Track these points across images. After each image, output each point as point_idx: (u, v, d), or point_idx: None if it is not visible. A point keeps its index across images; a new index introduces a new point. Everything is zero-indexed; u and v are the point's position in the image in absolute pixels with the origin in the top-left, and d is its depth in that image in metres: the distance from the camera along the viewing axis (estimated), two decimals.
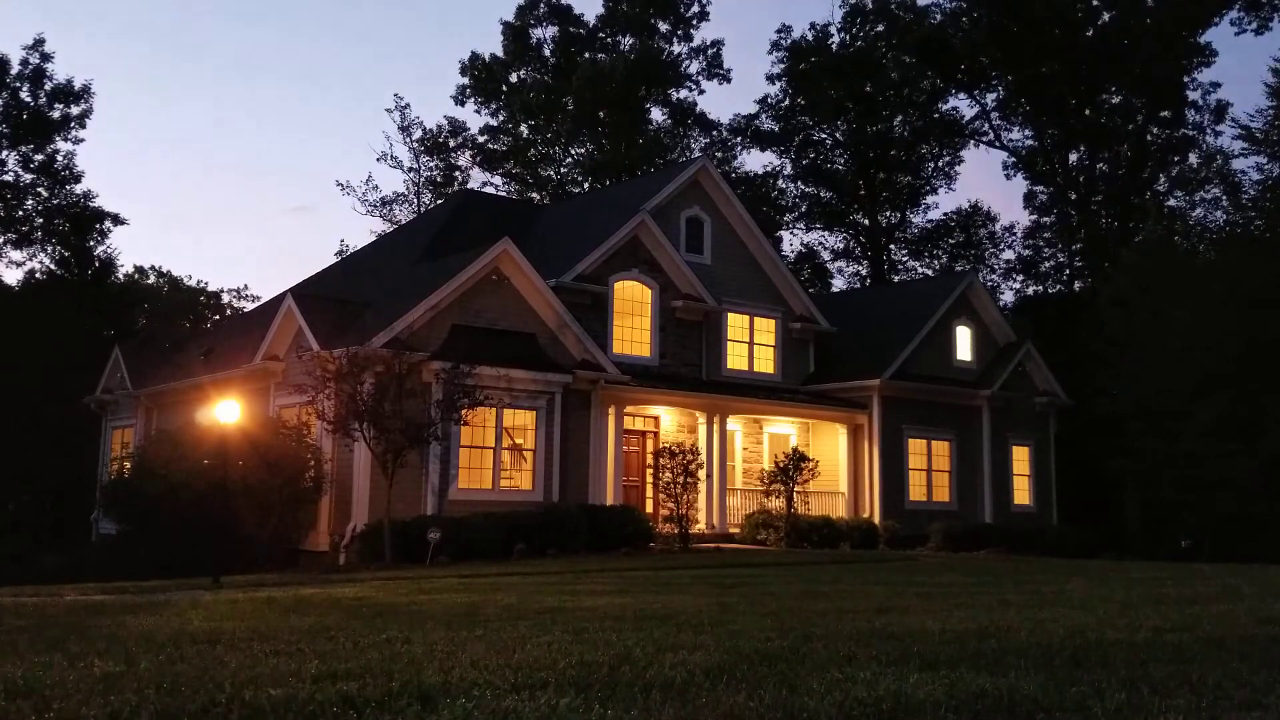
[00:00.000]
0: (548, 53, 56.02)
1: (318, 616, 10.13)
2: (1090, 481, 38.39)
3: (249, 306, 54.57)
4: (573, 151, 56.19)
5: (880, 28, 54.68)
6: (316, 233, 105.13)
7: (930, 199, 57.20)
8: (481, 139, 56.38)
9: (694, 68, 56.11)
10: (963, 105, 55.93)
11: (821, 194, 56.50)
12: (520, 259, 24.86)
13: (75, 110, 46.98)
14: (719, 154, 54.47)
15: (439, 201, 50.60)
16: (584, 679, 5.88)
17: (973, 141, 56.24)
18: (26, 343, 40.53)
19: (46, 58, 46.22)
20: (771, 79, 55.89)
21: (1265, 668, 6.29)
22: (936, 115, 55.08)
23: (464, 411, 22.38)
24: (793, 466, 27.02)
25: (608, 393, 26.11)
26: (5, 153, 46.38)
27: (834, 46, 55.03)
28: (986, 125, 55.21)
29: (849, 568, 19.07)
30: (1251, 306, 33.86)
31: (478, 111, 57.19)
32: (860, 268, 57.30)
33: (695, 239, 30.64)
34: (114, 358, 32.94)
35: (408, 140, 55.72)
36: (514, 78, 56.13)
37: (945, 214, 56.69)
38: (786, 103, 55.74)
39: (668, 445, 26.07)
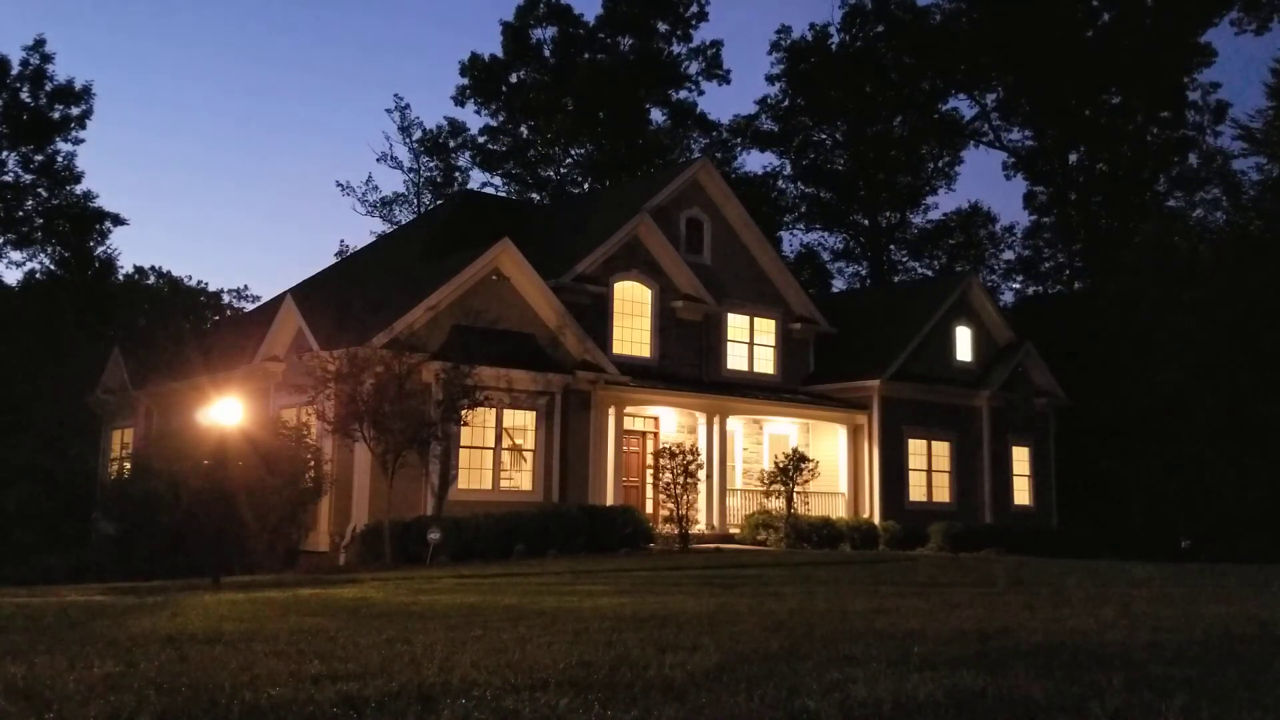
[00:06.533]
0: (547, 53, 56.00)
1: (318, 617, 10.12)
2: (1090, 481, 38.37)
3: (249, 306, 54.47)
4: (573, 151, 56.17)
5: (880, 28, 54.69)
6: (316, 233, 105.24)
7: (930, 199, 57.23)
8: (481, 139, 56.36)
9: (693, 68, 56.18)
10: (963, 105, 55.94)
11: (821, 194, 56.48)
12: (520, 259, 24.86)
13: (75, 111, 46.99)
14: (719, 154, 54.44)
15: (439, 202, 50.57)
16: (584, 679, 5.88)
17: (973, 141, 56.27)
18: (26, 343, 40.53)
19: (47, 59, 46.24)
20: (771, 80, 55.98)
21: (1265, 668, 6.29)
22: (936, 115, 55.08)
23: (464, 412, 22.37)
24: (793, 467, 27.00)
25: (608, 393, 26.10)
26: (5, 153, 46.40)
27: (833, 47, 55.03)
28: (986, 125, 55.28)
29: (849, 568, 19.07)
30: (1251, 307, 33.86)
31: (477, 112, 57.21)
32: (860, 268, 57.33)
33: (695, 239, 30.63)
34: (114, 358, 32.91)
35: (408, 141, 55.73)
36: (514, 78, 56.12)
37: (945, 214, 56.73)
38: (786, 103, 55.73)
39: (668, 445, 26.04)
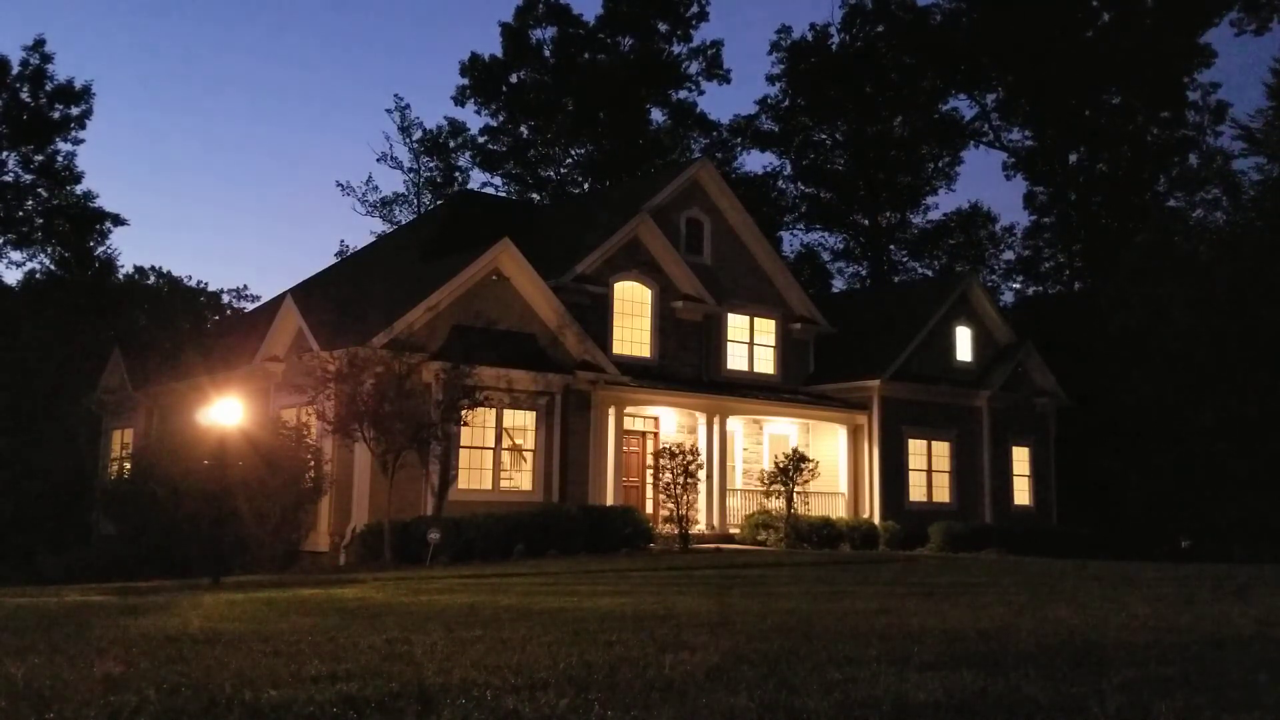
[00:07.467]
0: (547, 53, 56.00)
1: (318, 617, 10.13)
2: (1090, 481, 38.39)
3: (249, 306, 54.44)
4: (573, 151, 56.17)
5: (880, 28, 54.70)
6: (316, 233, 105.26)
7: (930, 199, 57.16)
8: (481, 139, 56.36)
9: (694, 68, 56.15)
10: (963, 105, 55.98)
11: (821, 194, 56.45)
12: (520, 259, 24.86)
13: (75, 111, 46.98)
14: (719, 154, 54.41)
15: (439, 202, 50.54)
16: (584, 679, 5.88)
17: (973, 141, 56.23)
18: (26, 343, 40.50)
19: (47, 58, 46.23)
20: (771, 80, 55.97)
21: (1265, 668, 6.30)
22: (936, 115, 55.06)
23: (464, 412, 22.37)
24: (793, 467, 26.99)
25: (608, 393, 26.09)
26: (5, 153, 46.40)
27: (834, 47, 55.04)
28: (986, 125, 55.22)
29: (849, 568, 19.08)
30: (1251, 307, 33.86)
31: (478, 112, 57.16)
32: (860, 268, 57.28)
33: (695, 239, 30.63)
34: (114, 358, 32.92)
35: (408, 141, 55.70)
36: (514, 78, 56.12)
37: (945, 214, 56.60)
38: (786, 103, 55.71)
39: (668, 446, 26.01)
